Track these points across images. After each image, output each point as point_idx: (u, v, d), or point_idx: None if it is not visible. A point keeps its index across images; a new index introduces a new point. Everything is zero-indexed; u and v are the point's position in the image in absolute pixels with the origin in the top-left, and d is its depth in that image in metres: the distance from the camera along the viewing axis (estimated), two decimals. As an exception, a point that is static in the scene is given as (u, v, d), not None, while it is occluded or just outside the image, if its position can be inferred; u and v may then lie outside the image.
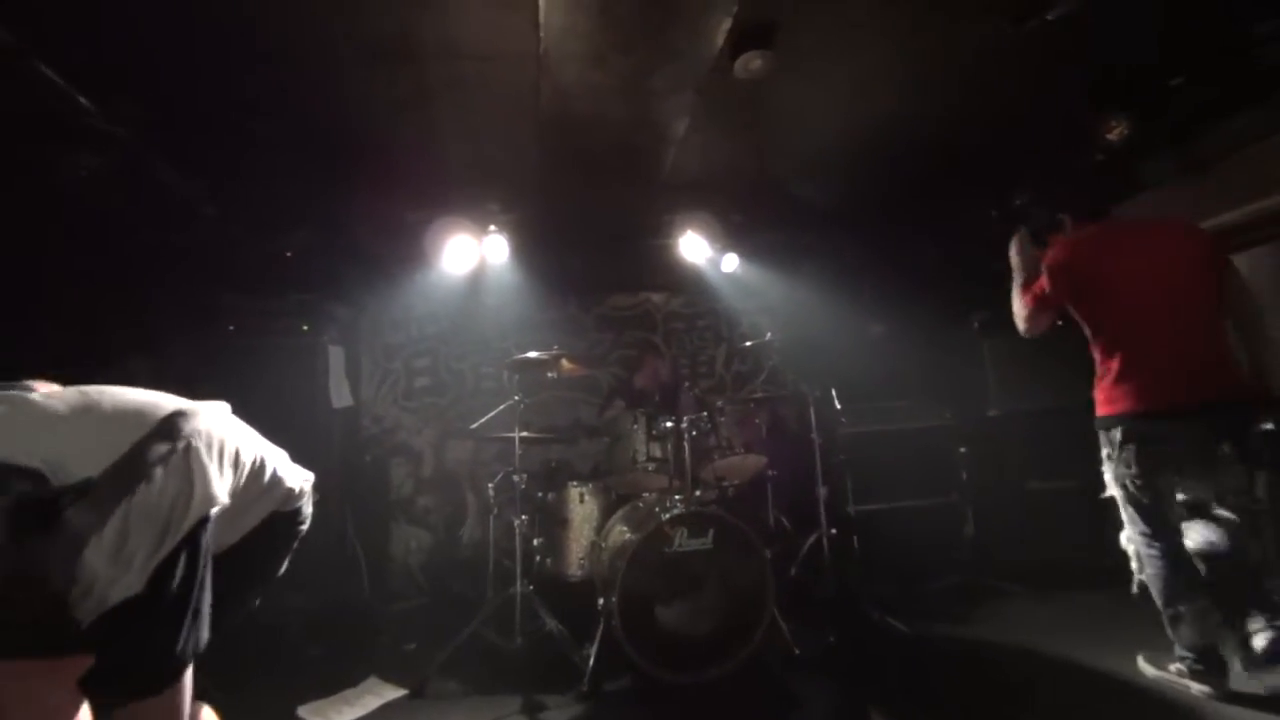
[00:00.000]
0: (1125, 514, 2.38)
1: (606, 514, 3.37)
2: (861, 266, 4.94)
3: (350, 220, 3.92)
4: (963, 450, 4.10)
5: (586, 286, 5.04)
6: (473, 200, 3.87)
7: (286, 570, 1.91)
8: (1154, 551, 2.27)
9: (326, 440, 3.79)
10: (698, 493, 3.03)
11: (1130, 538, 2.40)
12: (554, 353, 3.25)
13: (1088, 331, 2.44)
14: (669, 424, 3.14)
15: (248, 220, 1.95)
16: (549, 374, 3.46)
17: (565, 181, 3.66)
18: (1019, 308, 2.47)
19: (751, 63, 2.55)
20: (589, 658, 2.66)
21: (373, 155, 3.18)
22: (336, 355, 3.85)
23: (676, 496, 2.98)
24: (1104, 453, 2.40)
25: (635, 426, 3.33)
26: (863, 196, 4.20)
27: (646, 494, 3.28)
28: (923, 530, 3.90)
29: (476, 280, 4.50)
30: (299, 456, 2.27)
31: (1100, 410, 2.39)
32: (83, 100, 2.64)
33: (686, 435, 3.06)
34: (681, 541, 2.71)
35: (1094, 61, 2.94)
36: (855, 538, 3.78)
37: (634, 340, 5.09)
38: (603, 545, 3.12)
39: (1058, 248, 2.43)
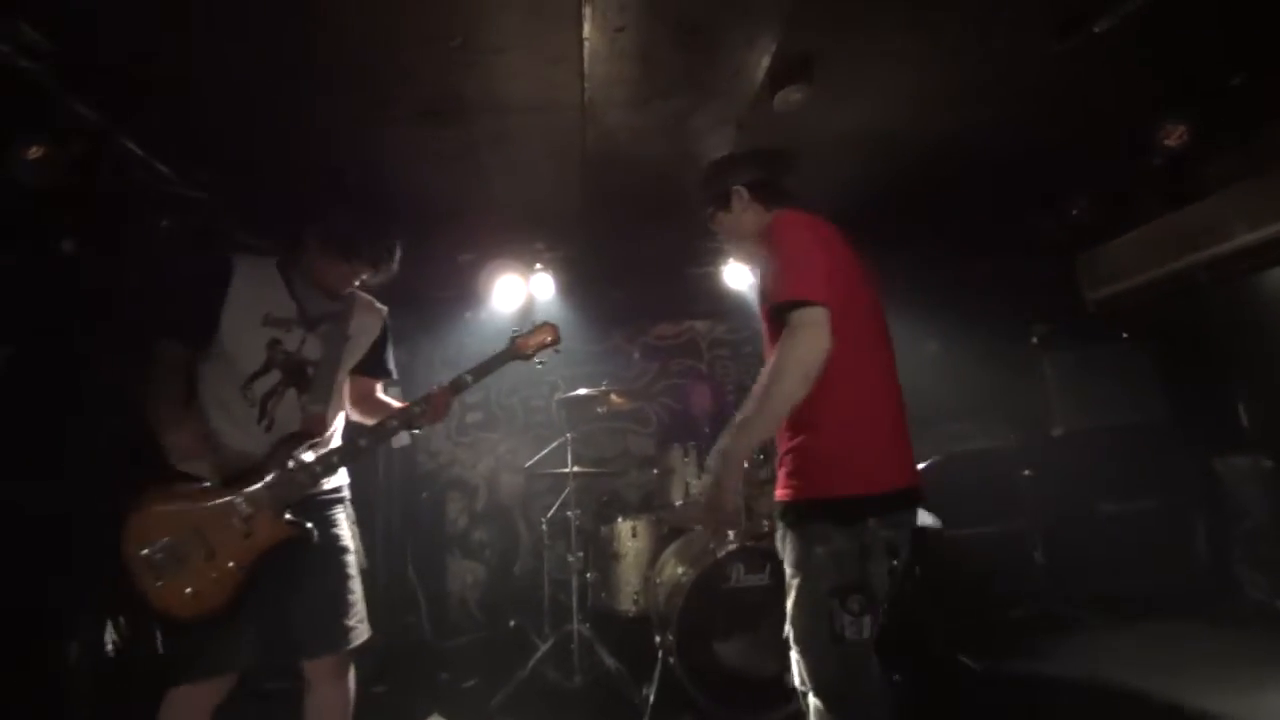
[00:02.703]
0: None
1: (659, 548, 3.36)
2: (911, 284, 4.84)
3: (404, 265, 4.06)
4: (1027, 473, 3.93)
5: (631, 317, 5.09)
6: (519, 240, 3.97)
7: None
8: None
9: (387, 480, 3.91)
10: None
11: None
12: (602, 389, 3.29)
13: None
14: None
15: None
16: (598, 409, 3.50)
17: (608, 218, 3.73)
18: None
19: (791, 96, 2.57)
20: (649, 698, 2.64)
21: (424, 204, 3.31)
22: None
23: (730, 531, 2.95)
24: None
25: (686, 460, 3.32)
26: (908, 213, 4.13)
27: (699, 527, 3.26)
28: (989, 559, 3.74)
29: (524, 317, 4.60)
30: (362, 498, 2.36)
31: None
32: (162, 168, 2.85)
33: (739, 467, 3.04)
34: (738, 577, 2.68)
35: (1149, 66, 2.85)
36: (918, 568, 3.65)
37: (680, 369, 5.10)
38: (657, 581, 3.11)
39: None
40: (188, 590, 1.61)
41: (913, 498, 1.61)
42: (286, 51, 2.20)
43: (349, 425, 2.05)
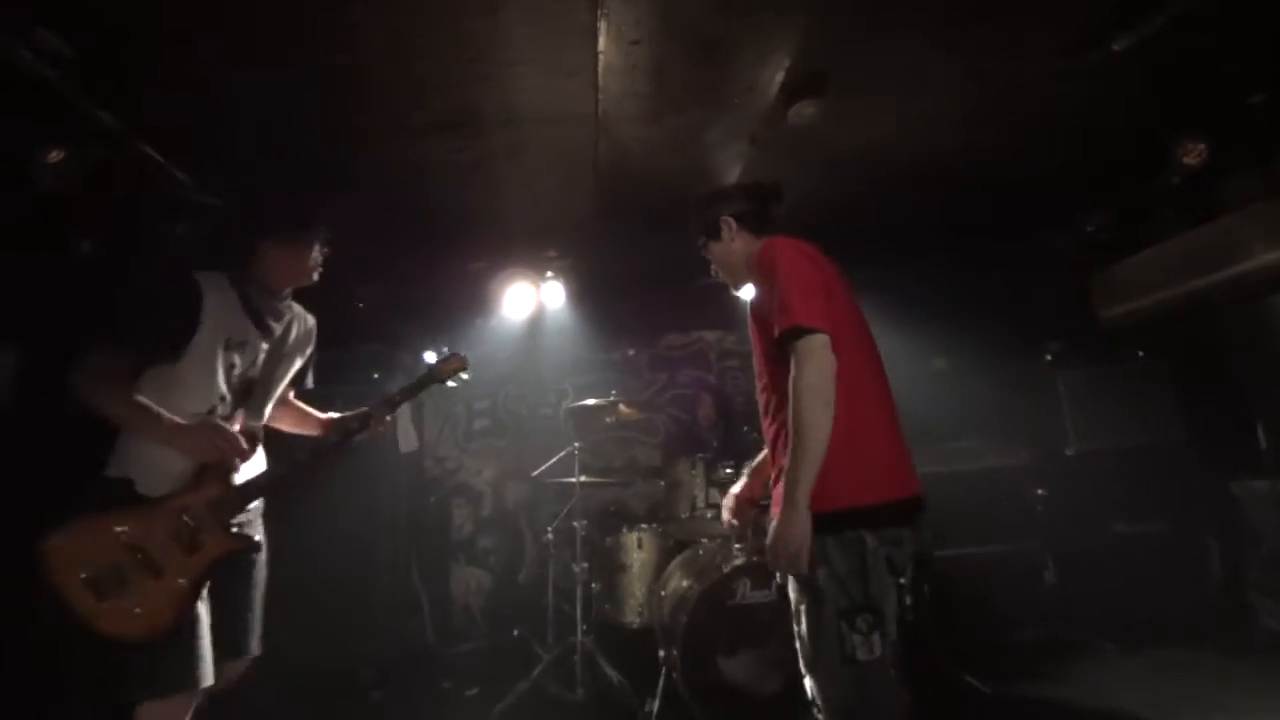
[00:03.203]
0: None
1: (664, 560, 3.34)
2: (922, 299, 4.82)
3: (415, 272, 4.10)
4: (1040, 492, 3.88)
5: (640, 327, 5.09)
6: (531, 249, 3.99)
7: (359, 617, 2.03)
8: None
9: (393, 484, 3.91)
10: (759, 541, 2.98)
11: None
12: (611, 399, 3.28)
13: None
14: (729, 469, 3.11)
15: (323, 277, 2.08)
16: (606, 418, 3.49)
17: (620, 229, 3.74)
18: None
19: (804, 110, 2.57)
20: (651, 713, 2.62)
21: (438, 213, 3.33)
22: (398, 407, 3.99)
23: (737, 545, 2.93)
24: None
25: (694, 471, 3.31)
26: (922, 228, 4.12)
27: (705, 540, 3.24)
28: (999, 579, 3.68)
29: (534, 324, 4.62)
30: (369, 500, 2.36)
31: None
32: (179, 175, 2.89)
33: (746, 481, 3.02)
34: (745, 593, 2.66)
35: (1167, 84, 2.82)
36: (927, 587, 3.61)
37: (688, 380, 5.09)
38: (662, 593, 3.09)
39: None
40: (136, 610, 1.56)
41: (912, 511, 1.58)
42: (304, 63, 2.22)
43: (291, 439, 2.09)
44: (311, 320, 2.08)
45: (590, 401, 3.33)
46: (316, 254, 1.92)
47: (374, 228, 3.25)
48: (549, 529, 3.62)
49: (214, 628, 1.70)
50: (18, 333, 2.71)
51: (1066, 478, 3.95)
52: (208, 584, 1.67)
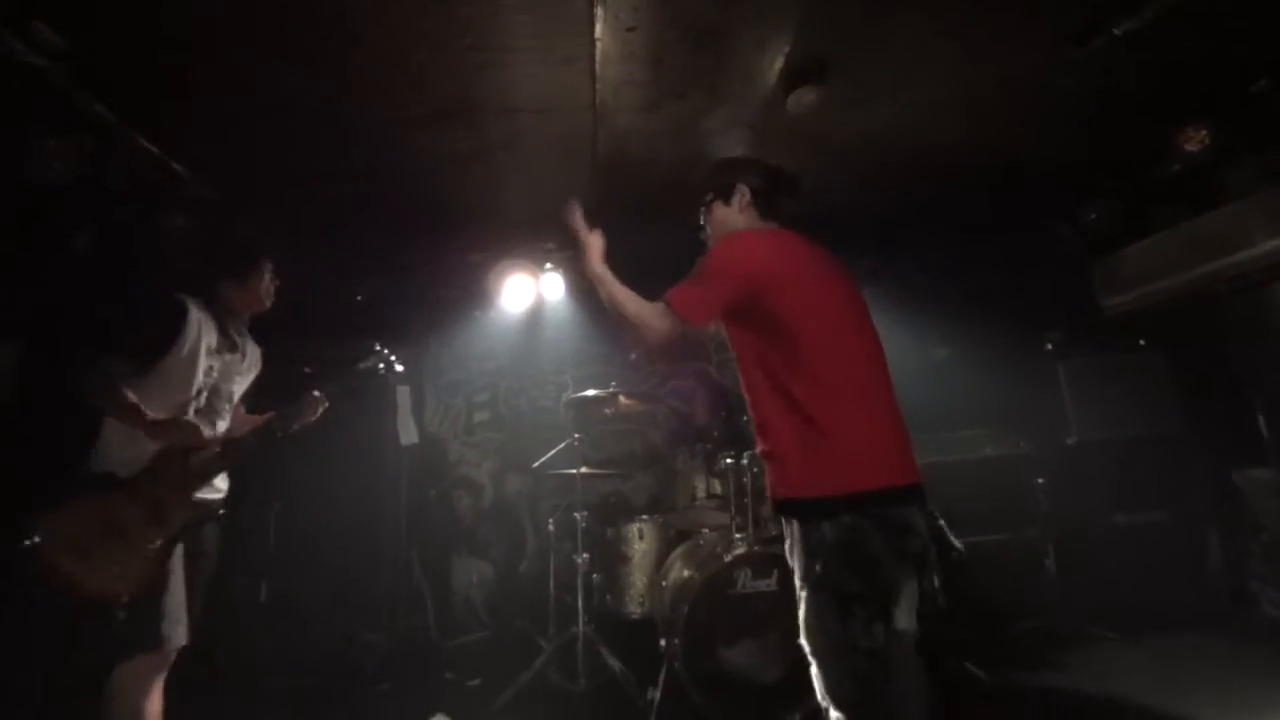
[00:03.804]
0: None
1: (665, 550, 3.34)
2: (922, 289, 4.80)
3: (414, 264, 4.08)
4: (1040, 481, 3.87)
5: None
6: (530, 240, 3.97)
7: (363, 608, 2.13)
8: None
9: (394, 478, 3.92)
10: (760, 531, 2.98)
11: None
12: (611, 390, 3.28)
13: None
14: (729, 460, 3.10)
15: (323, 270, 2.13)
16: (606, 410, 3.49)
17: (619, 218, 3.71)
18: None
19: (805, 98, 2.55)
20: (654, 702, 2.63)
21: (435, 204, 3.32)
22: (404, 395, 4.00)
23: (738, 535, 2.93)
24: None
25: (694, 462, 3.31)
26: (922, 218, 4.10)
27: (706, 531, 3.24)
28: (999, 568, 3.68)
29: (533, 317, 4.61)
30: (371, 494, 2.41)
31: None
32: (176, 167, 2.88)
33: (747, 471, 3.02)
34: (745, 583, 2.66)
35: (1169, 70, 2.80)
36: (937, 579, 3.61)
37: (687, 371, 5.07)
38: (663, 584, 3.09)
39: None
40: (113, 569, 1.83)
41: (909, 497, 1.55)
42: (300, 52, 2.20)
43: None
44: (258, 350, 2.39)
45: (590, 393, 3.33)
46: (267, 284, 2.29)
47: (372, 220, 3.23)
48: (550, 521, 3.62)
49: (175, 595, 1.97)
50: (10, 327, 2.71)
51: (1067, 467, 3.96)
52: (178, 550, 1.96)
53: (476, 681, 3.40)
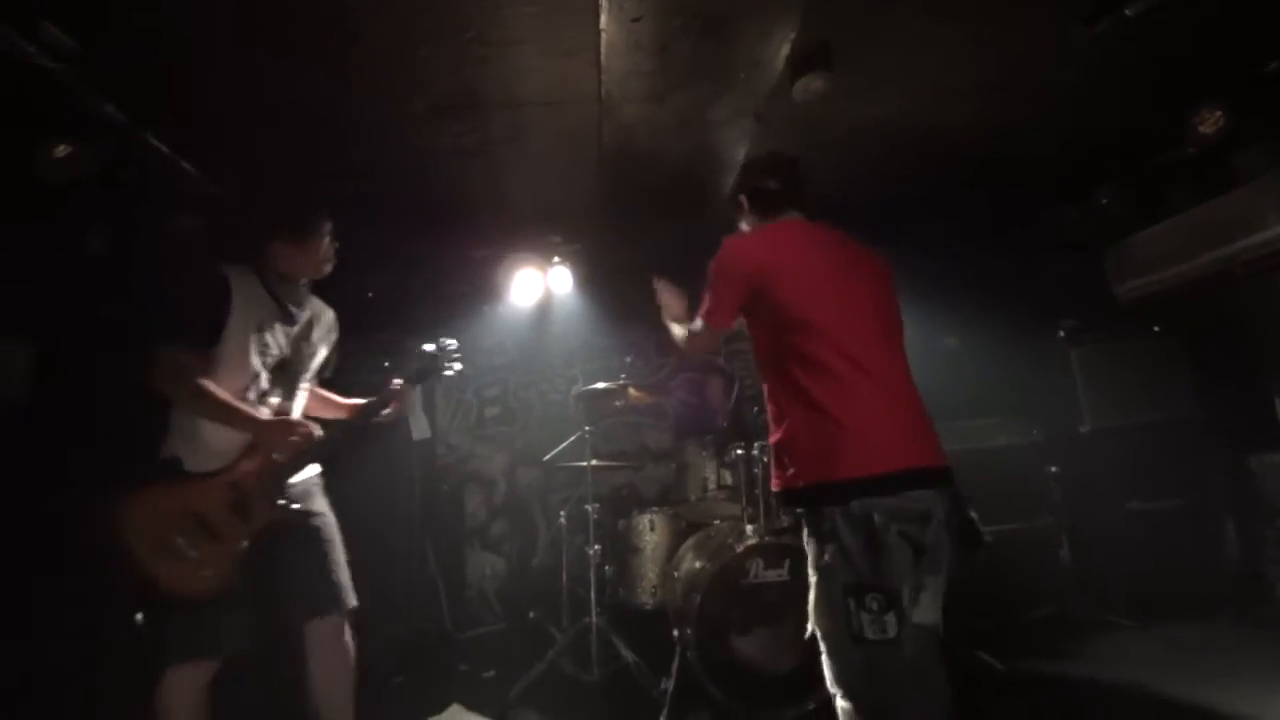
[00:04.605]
0: None
1: (677, 542, 3.35)
2: (933, 276, 4.76)
3: (421, 260, 4.10)
4: (1053, 470, 3.85)
5: (648, 311, 5.06)
6: (537, 234, 3.98)
7: (379, 600, 2.14)
8: None
9: (407, 471, 3.95)
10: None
11: None
12: (620, 383, 3.28)
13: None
14: (739, 451, 3.10)
15: (333, 268, 2.12)
16: (615, 403, 3.50)
17: (626, 211, 3.72)
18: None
19: (811, 85, 2.53)
20: (667, 692, 2.64)
21: (442, 199, 3.33)
22: (415, 390, 4.01)
23: (749, 526, 2.93)
24: None
25: (704, 454, 3.31)
26: (931, 205, 4.07)
27: (717, 522, 3.24)
28: (1013, 557, 3.65)
29: (542, 310, 4.62)
30: (384, 488, 2.42)
31: None
32: (186, 166, 2.90)
33: (757, 462, 3.02)
34: (757, 573, 2.67)
35: (1182, 51, 2.75)
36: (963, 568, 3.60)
37: (697, 363, 5.06)
38: (675, 575, 3.10)
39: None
40: (202, 570, 1.75)
41: (921, 480, 1.50)
42: (305, 52, 2.21)
43: (321, 421, 2.18)
44: (331, 314, 2.24)
45: (599, 385, 3.34)
46: (326, 246, 2.08)
47: (380, 216, 3.25)
48: (561, 513, 3.64)
49: (282, 595, 1.92)
50: (31, 327, 2.75)
51: (1080, 455, 3.92)
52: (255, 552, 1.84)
53: (491, 673, 3.43)
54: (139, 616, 1.83)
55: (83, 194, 2.51)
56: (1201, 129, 3.20)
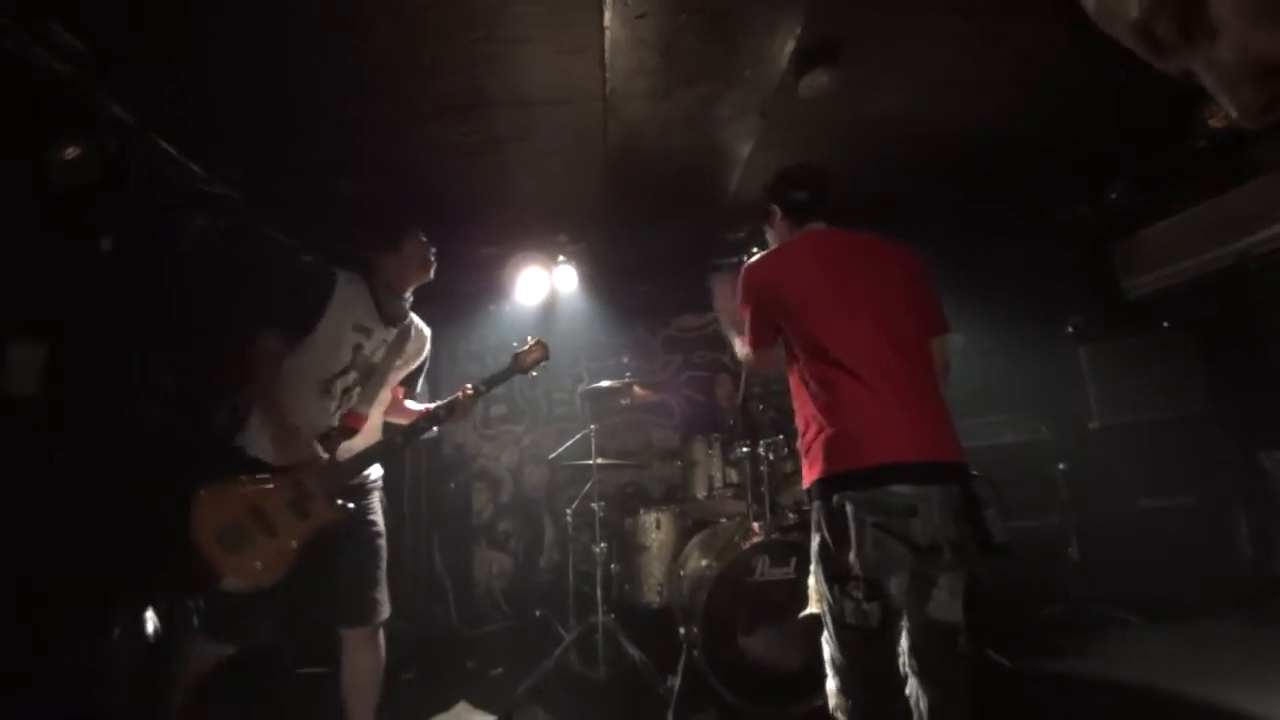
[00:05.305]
0: None
1: (683, 540, 3.35)
2: (940, 273, 4.71)
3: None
4: (1062, 467, 3.82)
5: (654, 309, 5.08)
6: (542, 233, 3.98)
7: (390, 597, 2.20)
8: None
9: (414, 471, 3.96)
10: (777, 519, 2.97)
11: None
12: (626, 381, 3.28)
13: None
14: (745, 449, 3.10)
15: (339, 266, 2.14)
16: (621, 401, 3.50)
17: (632, 210, 3.71)
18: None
19: (817, 80, 2.52)
20: (673, 690, 2.64)
21: (448, 199, 3.33)
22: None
23: (755, 523, 2.93)
24: None
25: (710, 452, 3.30)
26: (937, 200, 4.04)
27: (723, 519, 3.24)
28: (1022, 555, 3.62)
29: (547, 309, 4.62)
30: (391, 488, 2.44)
31: None
32: (194, 167, 2.91)
33: (763, 460, 3.01)
34: (763, 570, 2.66)
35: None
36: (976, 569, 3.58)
37: (702, 361, 5.07)
38: (681, 573, 3.10)
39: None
40: (256, 564, 1.81)
41: (909, 474, 1.51)
42: (312, 51, 2.22)
43: (385, 425, 2.27)
44: (428, 332, 2.37)
45: (605, 383, 3.34)
46: (424, 252, 2.22)
47: (385, 213, 3.25)
48: (568, 511, 3.64)
49: (321, 601, 1.99)
50: (45, 329, 2.76)
51: (1090, 452, 3.90)
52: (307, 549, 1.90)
53: (498, 670, 3.45)
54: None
55: (93, 195, 2.52)
56: (1212, 123, 3.17)
